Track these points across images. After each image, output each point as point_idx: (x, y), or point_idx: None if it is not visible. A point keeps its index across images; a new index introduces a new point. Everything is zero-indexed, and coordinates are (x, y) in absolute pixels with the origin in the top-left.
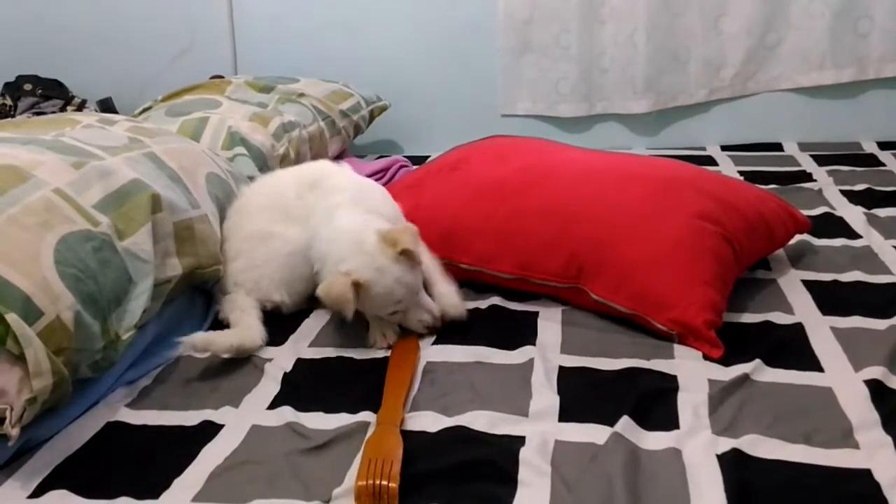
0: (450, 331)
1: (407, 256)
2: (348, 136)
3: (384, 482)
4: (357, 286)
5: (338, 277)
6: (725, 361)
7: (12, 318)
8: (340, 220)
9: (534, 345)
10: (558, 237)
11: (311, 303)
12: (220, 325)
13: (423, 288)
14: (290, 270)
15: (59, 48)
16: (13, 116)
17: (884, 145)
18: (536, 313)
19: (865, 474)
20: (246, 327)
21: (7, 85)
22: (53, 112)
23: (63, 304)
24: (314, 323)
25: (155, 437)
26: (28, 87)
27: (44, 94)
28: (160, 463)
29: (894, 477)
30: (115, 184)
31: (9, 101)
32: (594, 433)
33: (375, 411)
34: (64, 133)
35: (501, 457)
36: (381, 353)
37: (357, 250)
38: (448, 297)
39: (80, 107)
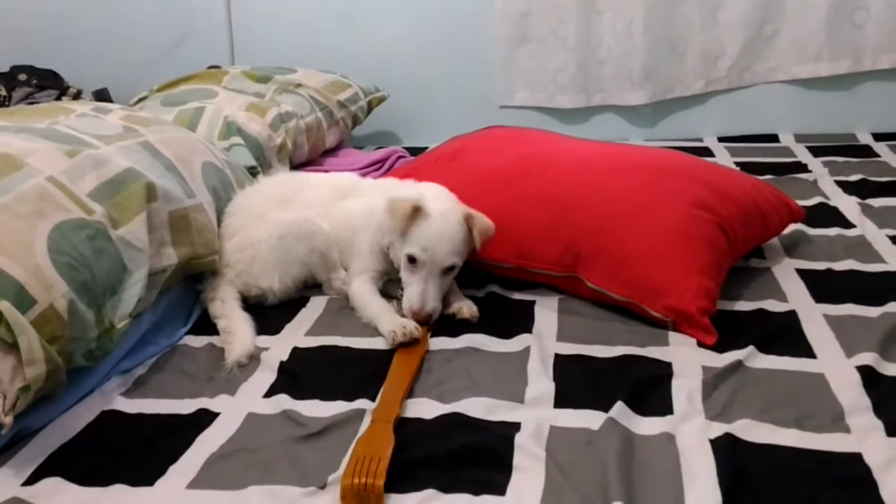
0: (450, 321)
1: (469, 224)
2: (346, 126)
3: (369, 480)
4: (416, 210)
5: (409, 197)
6: (719, 348)
7: (5, 305)
8: (434, 185)
9: (530, 333)
10: (555, 226)
11: (306, 290)
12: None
13: (440, 290)
14: (285, 254)
15: (55, 38)
16: (7, 107)
17: (879, 136)
18: (533, 302)
19: (856, 458)
20: (238, 341)
21: (1, 75)
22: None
23: (57, 292)
24: (310, 312)
25: (150, 426)
26: (23, 77)
27: (39, 84)
28: (155, 451)
29: (884, 460)
30: (110, 172)
31: (3, 92)
32: (589, 419)
33: (372, 399)
34: (58, 121)
35: (497, 443)
36: (374, 344)
37: (443, 196)
38: (466, 301)
39: (76, 97)
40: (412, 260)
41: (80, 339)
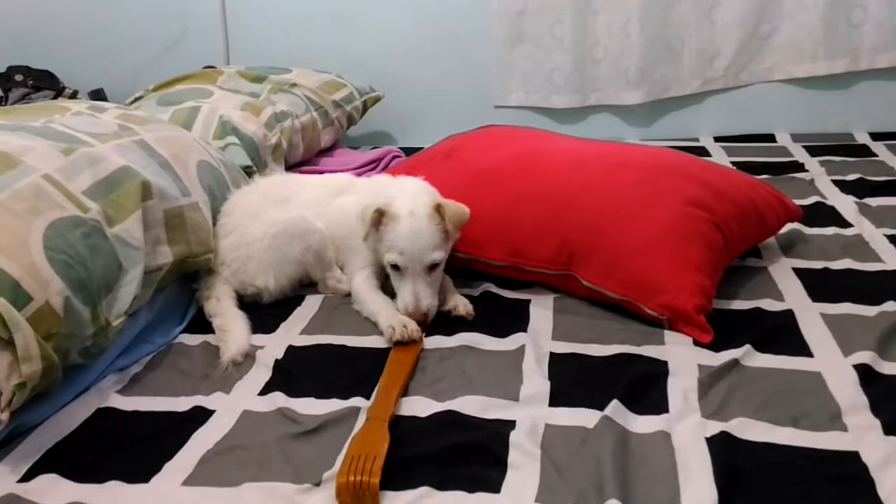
0: (445, 320)
1: (439, 213)
2: (341, 126)
3: (364, 478)
4: (380, 214)
5: (374, 203)
6: (715, 347)
7: (1, 302)
8: (411, 181)
9: (525, 331)
10: (550, 224)
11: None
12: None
13: (431, 286)
14: (280, 253)
15: (51, 38)
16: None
17: (876, 136)
18: (528, 301)
19: (853, 456)
20: (234, 339)
21: None
22: None
23: (52, 289)
24: (306, 310)
25: (146, 423)
26: (19, 77)
27: (35, 84)
28: (151, 448)
29: (881, 458)
30: (105, 170)
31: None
32: (584, 417)
33: (366, 397)
34: (53, 120)
35: (492, 440)
36: (370, 343)
37: (407, 194)
38: (461, 298)
39: (72, 98)
40: (395, 266)
41: (75, 337)
